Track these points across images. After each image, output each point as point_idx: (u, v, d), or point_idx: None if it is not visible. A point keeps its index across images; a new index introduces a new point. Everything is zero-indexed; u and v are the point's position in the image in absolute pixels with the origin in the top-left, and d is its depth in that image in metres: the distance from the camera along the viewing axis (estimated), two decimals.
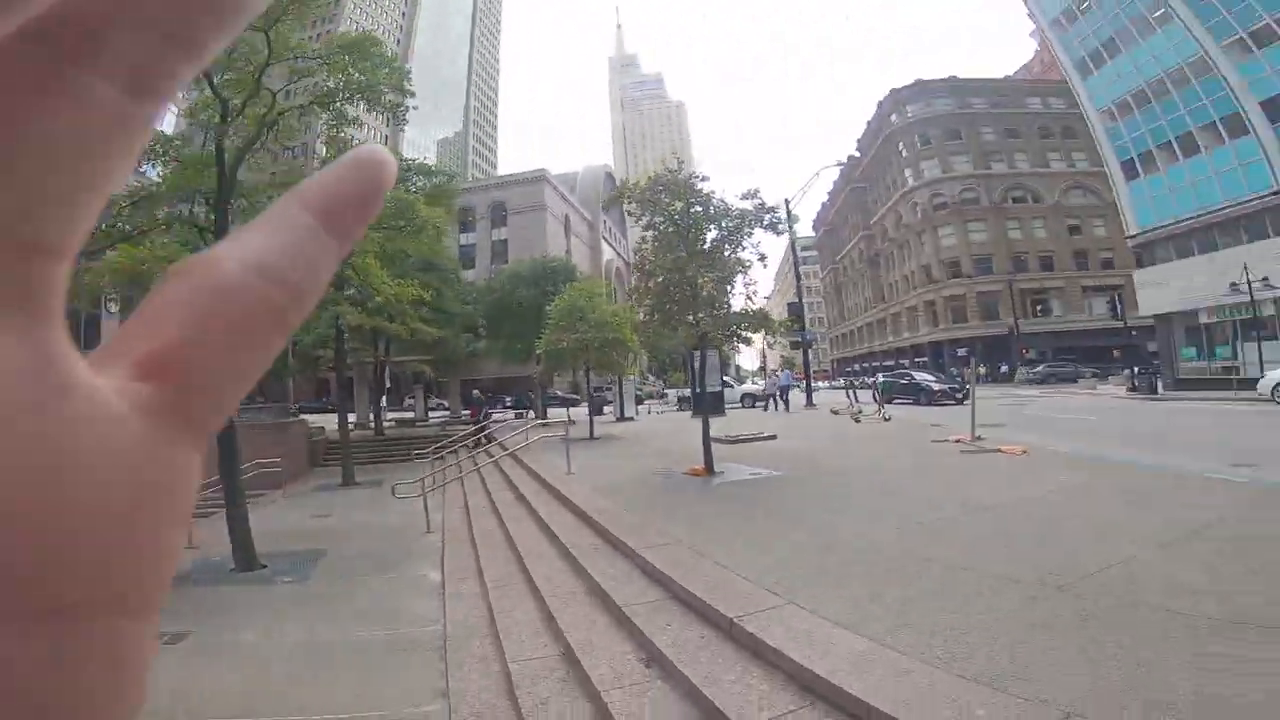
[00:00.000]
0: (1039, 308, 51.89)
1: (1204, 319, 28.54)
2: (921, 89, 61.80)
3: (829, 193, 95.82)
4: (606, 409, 25.44)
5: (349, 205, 0.16)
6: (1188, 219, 29.61)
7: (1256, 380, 19.99)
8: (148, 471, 0.16)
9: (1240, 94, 28.08)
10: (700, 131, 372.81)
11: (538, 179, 58.65)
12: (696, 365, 28.96)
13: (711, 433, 10.01)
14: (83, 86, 0.15)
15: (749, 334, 10.65)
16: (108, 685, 0.16)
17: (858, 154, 76.17)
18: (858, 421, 18.17)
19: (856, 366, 78.95)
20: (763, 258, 10.70)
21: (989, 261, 54.45)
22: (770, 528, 6.08)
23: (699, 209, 9.92)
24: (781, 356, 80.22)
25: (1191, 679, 2.70)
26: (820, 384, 41.38)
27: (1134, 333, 36.45)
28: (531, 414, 28.87)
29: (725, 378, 43.17)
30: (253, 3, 0.15)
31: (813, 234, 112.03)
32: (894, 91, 63.81)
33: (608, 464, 11.89)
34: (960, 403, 23.23)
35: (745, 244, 10.10)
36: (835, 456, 11.08)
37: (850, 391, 24.38)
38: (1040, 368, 44.65)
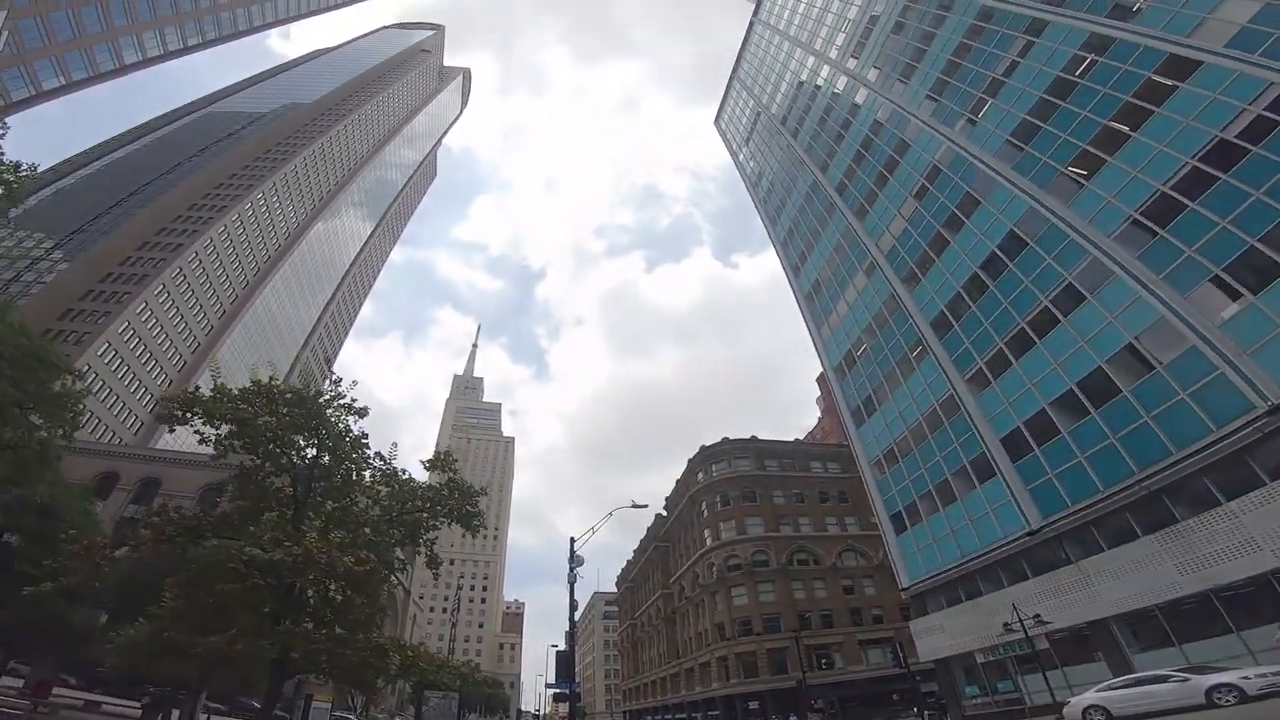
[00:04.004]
0: (823, 661, 57.69)
1: (980, 659, 35.39)
2: (727, 447, 68.98)
3: (634, 550, 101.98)
4: None
5: None
6: (951, 568, 33.88)
7: (1050, 706, 25.10)
8: None
9: (984, 433, 29.25)
10: (522, 466, 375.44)
11: None
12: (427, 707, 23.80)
13: None
14: None
15: (379, 676, 6.05)
16: None
17: (665, 513, 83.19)
18: None
19: (648, 718, 74.99)
20: (436, 562, 7.03)
21: (777, 620, 59.09)
22: None
23: (350, 469, 6.02)
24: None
25: None
26: None
27: (916, 677, 43.09)
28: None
29: None
30: None
31: (614, 590, 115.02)
32: (703, 449, 70.06)
33: None
34: None
35: (422, 538, 6.56)
36: None
37: None
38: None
